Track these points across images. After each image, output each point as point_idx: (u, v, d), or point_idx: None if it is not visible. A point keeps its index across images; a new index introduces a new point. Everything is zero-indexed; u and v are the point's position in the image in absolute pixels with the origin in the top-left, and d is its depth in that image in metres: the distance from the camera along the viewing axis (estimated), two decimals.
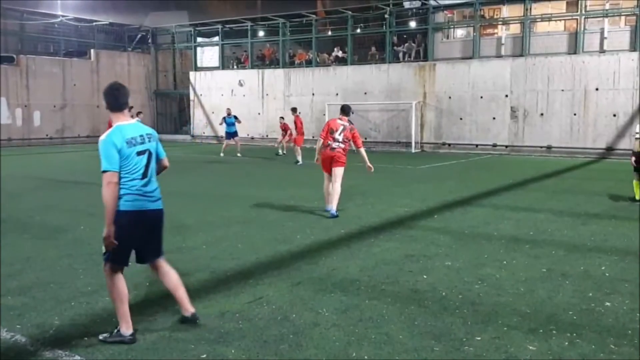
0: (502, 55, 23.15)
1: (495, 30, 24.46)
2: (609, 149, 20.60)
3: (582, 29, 21.57)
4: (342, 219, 9.09)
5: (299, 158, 18.43)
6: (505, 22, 23.72)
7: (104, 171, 4.10)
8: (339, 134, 9.35)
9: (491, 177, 15.19)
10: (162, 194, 4.58)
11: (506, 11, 23.55)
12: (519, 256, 6.82)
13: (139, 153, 4.25)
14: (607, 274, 6.05)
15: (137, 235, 4.32)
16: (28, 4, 28.56)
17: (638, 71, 20.13)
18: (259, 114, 28.86)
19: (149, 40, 33.55)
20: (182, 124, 33.76)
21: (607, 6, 21.49)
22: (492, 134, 22.87)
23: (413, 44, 25.54)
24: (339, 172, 9.34)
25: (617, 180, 12.90)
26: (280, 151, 21.84)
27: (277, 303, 5.12)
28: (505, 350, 4.15)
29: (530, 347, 4.19)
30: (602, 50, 21.26)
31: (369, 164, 9.51)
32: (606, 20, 21.50)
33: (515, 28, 23.65)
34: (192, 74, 31.52)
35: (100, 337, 4.29)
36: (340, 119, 9.53)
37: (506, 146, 22.57)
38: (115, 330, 4.29)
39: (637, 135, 10.66)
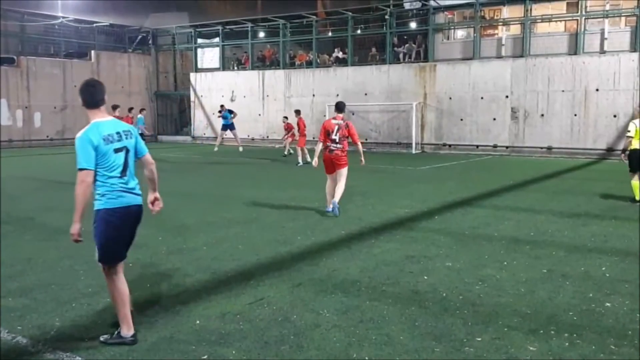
0: (502, 56, 23.15)
1: (496, 31, 24.46)
2: (610, 150, 20.59)
3: (583, 29, 21.57)
4: (342, 219, 9.09)
5: (300, 159, 18.47)
6: (506, 23, 23.73)
7: (80, 169, 4.09)
8: (335, 134, 9.45)
9: (492, 178, 15.19)
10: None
11: (506, 12, 23.55)
12: (520, 257, 6.82)
13: (117, 150, 4.22)
14: (607, 275, 6.05)
15: (125, 231, 4.32)
16: (28, 5, 28.60)
17: (638, 72, 20.13)
18: (260, 115, 28.86)
19: (150, 42, 33.55)
20: (183, 125, 33.77)
21: (608, 7, 21.48)
22: (493, 134, 22.87)
23: (413, 45, 25.54)
24: (343, 172, 9.57)
25: (618, 181, 12.90)
26: (286, 152, 21.84)
27: (277, 304, 5.12)
28: (506, 351, 4.15)
29: (531, 348, 4.19)
30: (602, 51, 21.25)
31: (362, 159, 9.94)
32: (606, 20, 21.49)
33: (515, 29, 23.65)
34: (192, 75, 31.53)
35: (101, 339, 4.30)
36: (334, 118, 9.64)
37: (507, 147, 22.57)
38: (116, 332, 4.30)
39: (629, 134, 10.73)
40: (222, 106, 23.76)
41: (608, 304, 5.12)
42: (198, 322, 4.69)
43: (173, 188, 12.60)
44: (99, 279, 5.43)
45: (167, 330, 4.53)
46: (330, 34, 29.67)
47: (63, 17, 29.71)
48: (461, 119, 23.49)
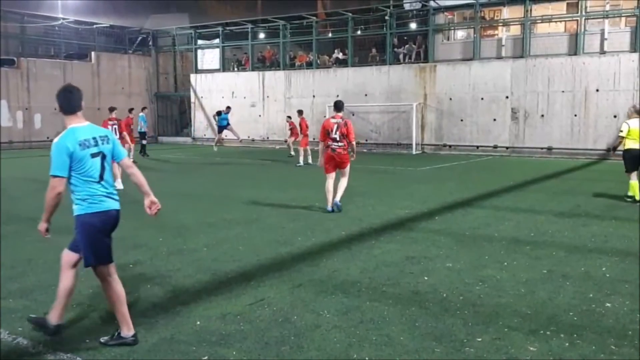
0: (502, 56, 23.15)
1: (496, 32, 24.47)
2: (610, 150, 20.59)
3: (583, 30, 21.57)
4: (342, 220, 9.10)
5: (301, 160, 18.47)
6: (506, 24, 23.73)
7: (52, 175, 4.13)
8: (335, 133, 9.64)
9: (492, 178, 15.19)
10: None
11: (506, 12, 23.55)
12: (520, 257, 6.82)
13: (93, 155, 4.23)
14: (607, 275, 6.06)
15: (106, 233, 4.32)
16: (29, 6, 28.62)
17: (638, 72, 20.12)
18: (260, 116, 28.85)
19: (150, 43, 33.55)
20: (183, 126, 33.78)
21: (608, 7, 21.48)
22: (493, 135, 22.87)
23: (413, 46, 25.54)
24: (346, 169, 9.91)
25: (618, 181, 12.89)
26: (292, 152, 21.79)
27: (278, 305, 5.13)
28: (506, 351, 4.15)
29: (531, 348, 4.19)
30: (602, 52, 21.25)
31: (354, 154, 10.21)
32: (606, 21, 21.49)
33: (515, 29, 23.65)
34: (192, 76, 31.52)
35: (102, 340, 4.30)
36: (333, 117, 9.82)
37: (507, 147, 22.56)
38: (117, 333, 4.30)
39: (621, 134, 10.75)
40: (228, 107, 23.97)
41: (608, 304, 5.12)
42: (198, 322, 4.70)
43: (173, 189, 12.61)
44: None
45: (167, 331, 4.54)
46: (330, 34, 29.67)
47: (63, 19, 29.74)
48: (461, 120, 23.49)
